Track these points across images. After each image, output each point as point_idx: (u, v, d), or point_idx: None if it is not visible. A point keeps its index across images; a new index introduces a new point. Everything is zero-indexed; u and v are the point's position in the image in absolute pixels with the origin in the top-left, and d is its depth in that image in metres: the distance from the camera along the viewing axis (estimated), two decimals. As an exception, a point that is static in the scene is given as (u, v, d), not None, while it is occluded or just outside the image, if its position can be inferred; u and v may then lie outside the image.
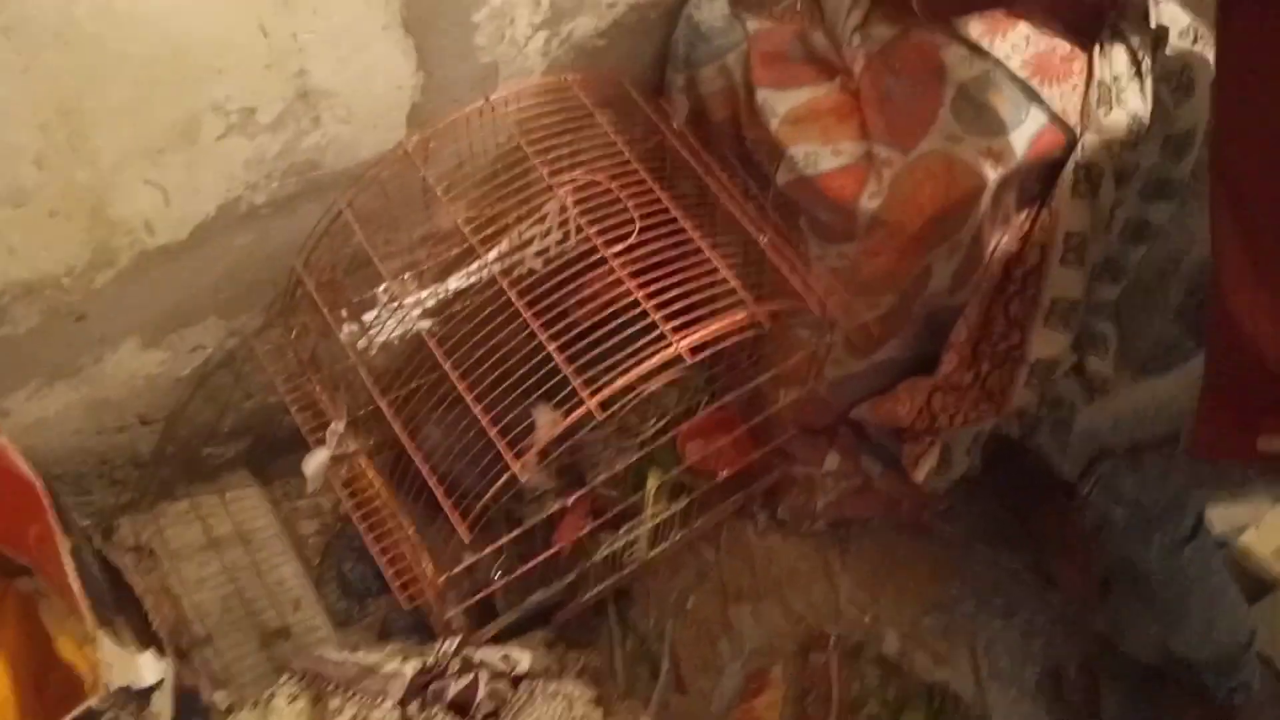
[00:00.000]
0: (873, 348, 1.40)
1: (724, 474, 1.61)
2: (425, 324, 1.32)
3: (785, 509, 1.71)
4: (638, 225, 1.17)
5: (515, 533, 1.30)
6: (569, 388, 1.15)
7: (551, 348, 1.14)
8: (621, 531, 1.59)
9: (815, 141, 1.28)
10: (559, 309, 1.27)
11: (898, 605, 1.70)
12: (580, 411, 1.09)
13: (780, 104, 1.32)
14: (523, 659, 1.42)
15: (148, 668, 1.22)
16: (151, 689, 1.22)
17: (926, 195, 1.23)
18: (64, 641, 1.30)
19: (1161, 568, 1.37)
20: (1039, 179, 1.32)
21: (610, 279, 1.23)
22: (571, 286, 1.32)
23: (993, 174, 1.23)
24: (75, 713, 1.10)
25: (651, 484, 1.60)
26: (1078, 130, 1.27)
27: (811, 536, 1.75)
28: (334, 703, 1.27)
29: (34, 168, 1.02)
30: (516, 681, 1.41)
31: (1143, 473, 1.30)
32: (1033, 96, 1.26)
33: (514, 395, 1.49)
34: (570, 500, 1.45)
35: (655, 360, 1.08)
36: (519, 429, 1.30)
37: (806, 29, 1.36)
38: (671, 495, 1.63)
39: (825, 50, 1.34)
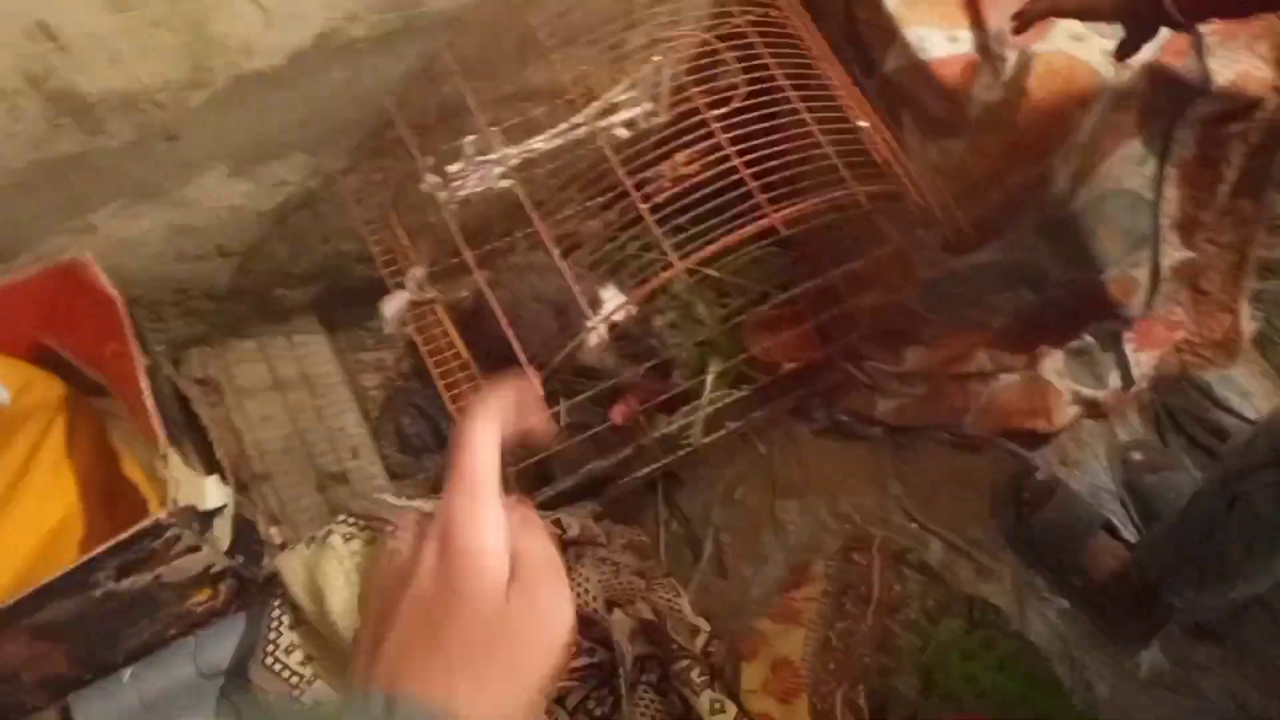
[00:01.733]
0: (970, 247, 1.36)
1: (787, 368, 1.60)
2: (507, 182, 1.30)
3: (843, 410, 1.69)
4: (742, 93, 1.13)
5: (580, 397, 1.30)
6: (656, 258, 1.13)
7: (643, 209, 1.11)
8: (678, 414, 1.59)
9: (932, 25, 1.23)
10: (640, 181, 1.24)
11: (946, 516, 1.69)
12: (666, 275, 1.07)
13: (897, -18, 1.26)
14: (573, 524, 1.44)
15: (212, 491, 1.25)
16: (214, 513, 1.25)
17: (1044, 93, 1.18)
18: (130, 461, 1.32)
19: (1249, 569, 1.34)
20: (1165, 103, 1.26)
21: (704, 147, 1.20)
22: (653, 158, 1.29)
23: (1113, 78, 1.17)
24: (143, 524, 1.12)
25: (712, 370, 1.59)
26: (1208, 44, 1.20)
27: (866, 440, 1.74)
28: (391, 543, 1.29)
29: (141, -29, 1.00)
30: (565, 546, 1.43)
31: None
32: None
33: (596, 266, 1.48)
34: (635, 374, 1.44)
35: (749, 230, 1.06)
36: (589, 302, 1.29)
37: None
38: (732, 384, 1.63)
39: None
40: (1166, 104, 1.25)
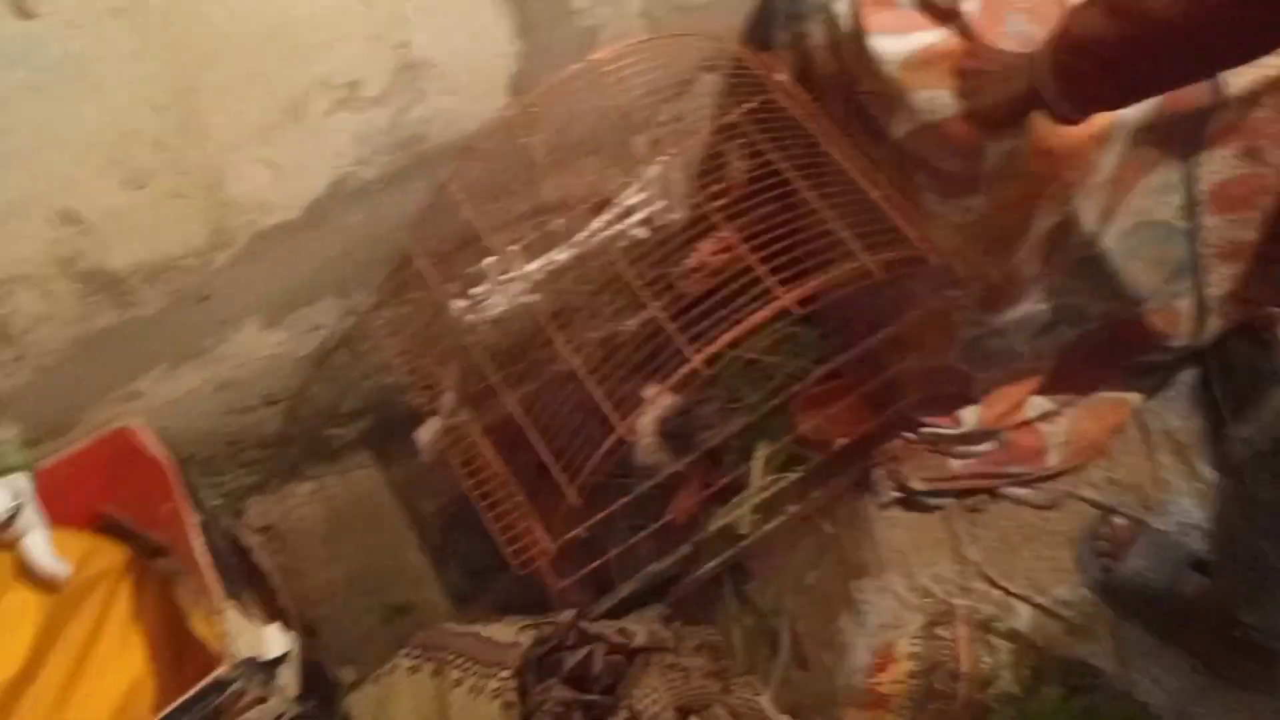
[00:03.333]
0: (1008, 303, 1.33)
1: (840, 443, 1.57)
2: (533, 297, 1.32)
3: (917, 478, 1.64)
4: (744, 182, 1.14)
5: (625, 499, 1.29)
6: (679, 356, 1.13)
7: (658, 311, 1.11)
8: (732, 504, 1.56)
9: (939, 86, 1.22)
10: (666, 279, 1.25)
11: (1030, 578, 1.62)
12: (686, 369, 1.07)
13: (896, 50, 1.26)
14: (639, 632, 1.41)
15: (273, 640, 1.25)
16: (278, 661, 1.25)
17: (1056, 135, 1.16)
18: (197, 619, 1.33)
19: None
20: (1181, 130, 1.24)
21: (718, 243, 1.21)
22: (678, 255, 1.30)
23: (1126, 112, 1.15)
24: (204, 682, 1.13)
25: (760, 455, 1.57)
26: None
27: (936, 508, 1.68)
28: (453, 674, 1.28)
29: (152, 150, 1.05)
30: (632, 655, 1.40)
31: None
32: None
33: (624, 369, 1.48)
34: (683, 469, 1.42)
35: (762, 314, 1.05)
36: (628, 403, 1.29)
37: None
38: (784, 467, 1.60)
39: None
40: (1181, 132, 1.22)
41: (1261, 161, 1.29)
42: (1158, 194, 1.26)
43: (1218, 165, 1.28)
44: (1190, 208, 1.29)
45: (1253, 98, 1.21)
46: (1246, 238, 1.38)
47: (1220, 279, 1.40)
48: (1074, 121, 1.03)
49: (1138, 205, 1.25)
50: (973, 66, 1.15)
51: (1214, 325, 1.44)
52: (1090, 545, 1.62)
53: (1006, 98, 1.08)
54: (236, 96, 1.06)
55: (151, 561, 1.36)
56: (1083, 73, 0.98)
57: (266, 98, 1.08)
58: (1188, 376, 1.70)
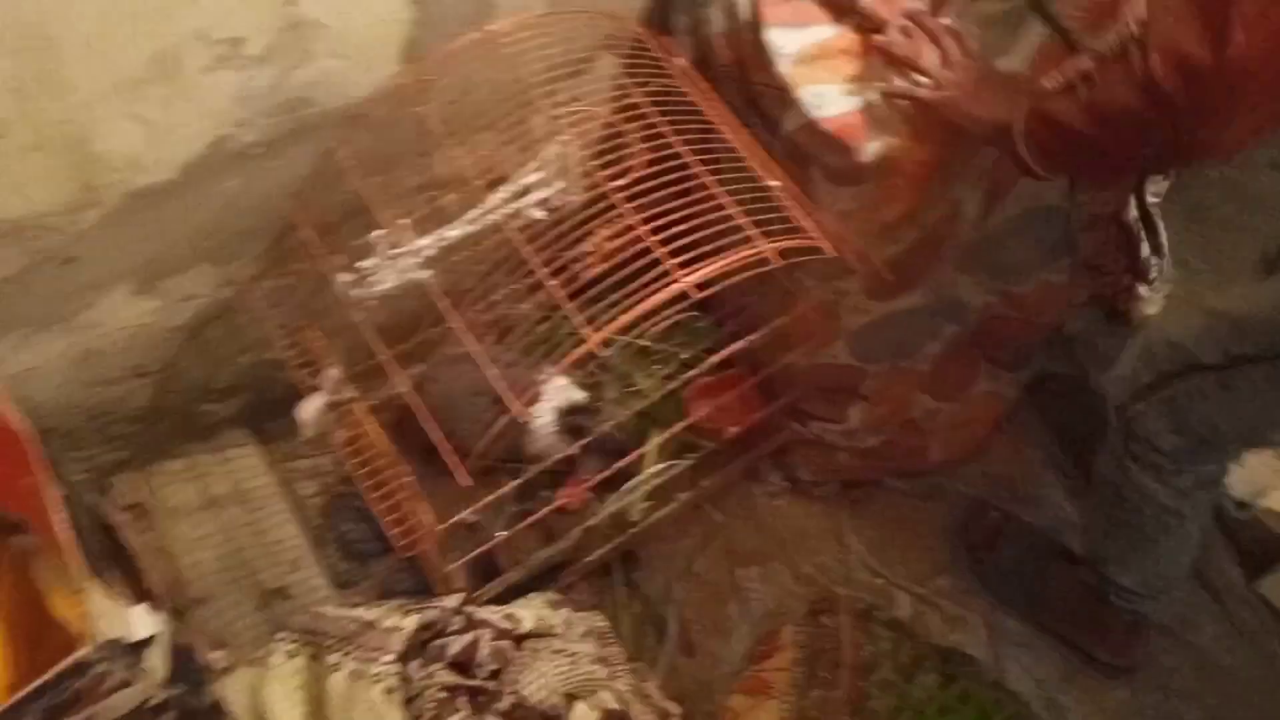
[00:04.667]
0: (895, 292, 1.36)
1: (731, 432, 1.58)
2: (424, 274, 1.28)
3: (805, 469, 1.67)
4: (644, 165, 1.12)
5: (515, 482, 1.27)
6: (574, 338, 1.12)
7: (555, 289, 1.10)
8: (624, 490, 1.55)
9: (828, 81, 1.23)
10: (561, 261, 1.23)
11: (910, 568, 1.66)
12: (582, 349, 1.05)
13: (790, 43, 1.27)
14: (526, 618, 1.39)
15: (139, 621, 1.19)
16: (144, 644, 1.19)
17: (935, 129, 1.18)
18: (57, 600, 1.27)
19: (1162, 505, 1.35)
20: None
21: (615, 226, 1.19)
22: (575, 237, 1.28)
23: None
24: (65, 663, 1.07)
25: (653, 442, 1.56)
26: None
27: (821, 498, 1.71)
28: (331, 658, 1.24)
29: (9, 98, 0.98)
30: (519, 641, 1.38)
31: (1229, 404, 1.21)
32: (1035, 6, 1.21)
33: (518, 350, 1.46)
34: (574, 454, 1.41)
35: (659, 297, 1.04)
36: (522, 385, 1.26)
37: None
38: (676, 455, 1.60)
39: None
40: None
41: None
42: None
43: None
44: (1071, 187, 1.34)
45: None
46: (1106, 211, 1.44)
47: (1086, 249, 1.47)
48: (1039, 177, 1.07)
49: (1028, 190, 1.29)
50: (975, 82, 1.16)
51: (1079, 297, 1.50)
52: (962, 537, 1.67)
53: (990, 120, 1.10)
54: (100, 46, 0.99)
55: (8, 538, 1.29)
56: (1052, 149, 1.02)
57: (133, 49, 1.01)
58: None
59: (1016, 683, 1.56)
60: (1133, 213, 1.47)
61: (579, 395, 1.48)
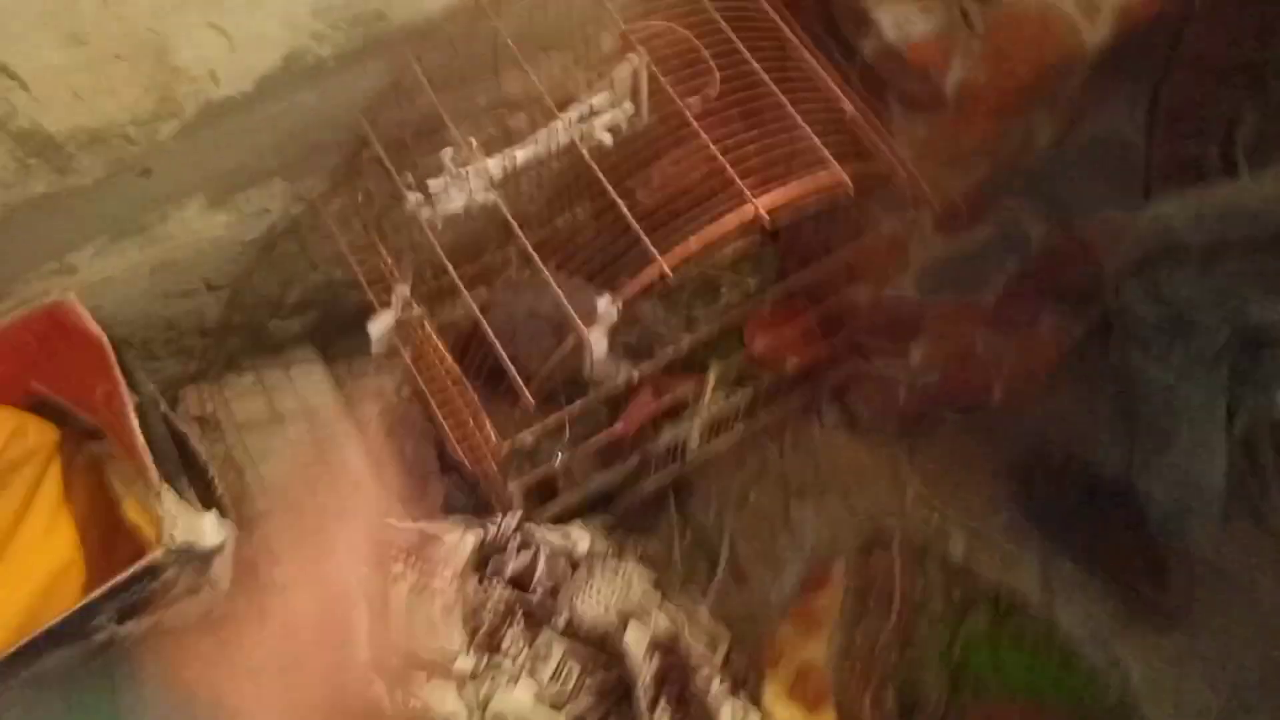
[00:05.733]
0: (964, 225, 1.33)
1: (791, 365, 1.57)
2: (491, 195, 1.28)
3: (865, 404, 1.66)
4: (718, 81, 1.10)
5: (577, 404, 1.27)
6: (643, 261, 1.11)
7: (626, 211, 1.09)
8: (683, 420, 1.55)
9: (904, 1, 1.20)
10: (629, 187, 1.22)
11: (967, 506, 1.65)
12: (652, 273, 1.05)
13: (871, -37, 1.24)
14: (582, 539, 1.41)
15: (210, 528, 1.22)
16: (213, 552, 1.22)
17: (1019, 52, 1.15)
18: (130, 504, 1.30)
19: (1163, 387, 1.34)
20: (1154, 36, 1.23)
21: (683, 147, 1.18)
22: (644, 159, 1.27)
23: (1089, 26, 1.14)
24: (139, 565, 1.10)
25: (712, 371, 1.56)
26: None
27: (879, 434, 1.70)
28: (395, 568, 1.27)
29: (94, 4, 0.98)
30: (575, 563, 1.40)
31: (1206, 280, 1.24)
32: None
33: (583, 273, 1.46)
34: (635, 380, 1.41)
35: (731, 220, 1.03)
36: (588, 308, 1.26)
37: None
38: (735, 385, 1.59)
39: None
40: (1156, 47, 1.22)
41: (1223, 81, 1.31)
42: (1122, 110, 1.27)
43: (1186, 85, 1.29)
44: (1150, 124, 1.30)
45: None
46: (1193, 155, 1.40)
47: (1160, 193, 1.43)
48: None
49: (1101, 121, 1.25)
50: None
51: None
52: (1021, 476, 1.65)
53: None
54: (188, -50, 0.99)
55: (84, 444, 1.32)
56: None
57: (221, -45, 1.02)
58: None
59: (1070, 625, 1.55)
60: (1215, 157, 1.43)
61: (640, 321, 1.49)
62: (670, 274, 1.04)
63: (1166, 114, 1.32)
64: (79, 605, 1.08)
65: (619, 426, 1.49)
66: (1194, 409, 1.36)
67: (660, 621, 1.36)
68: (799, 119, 1.13)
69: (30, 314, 1.22)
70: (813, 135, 1.11)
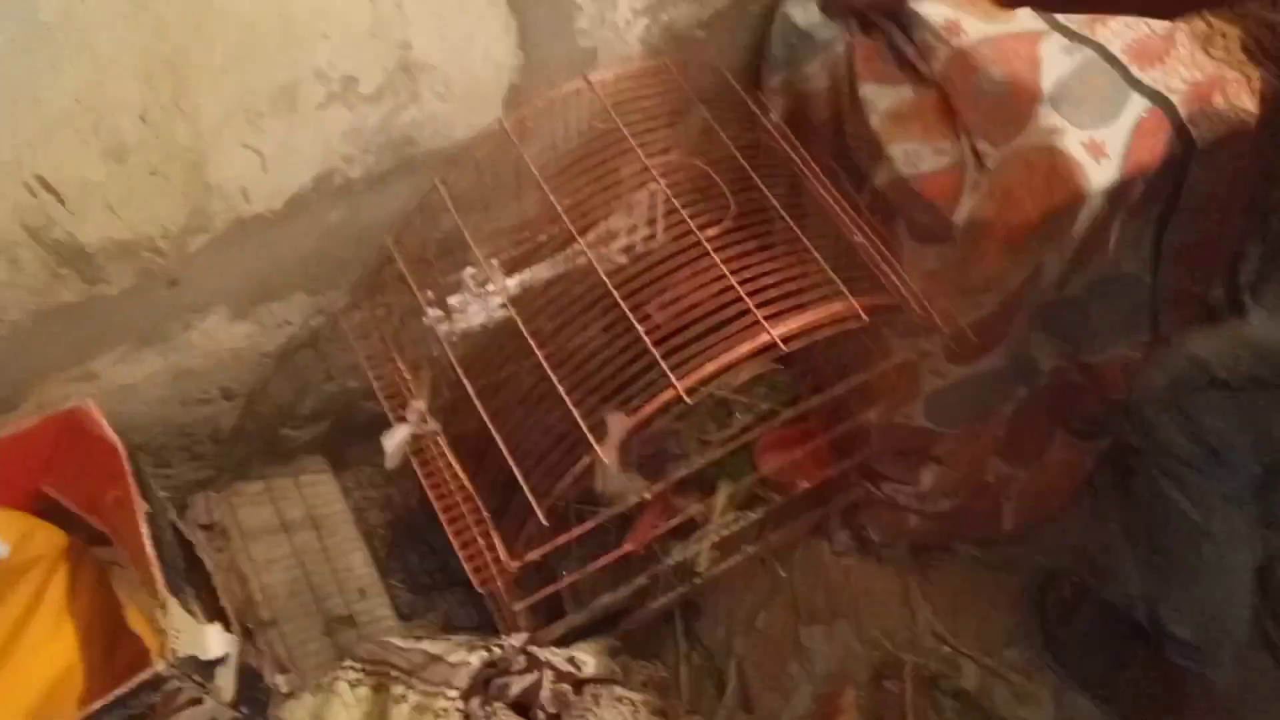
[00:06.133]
0: (975, 355, 1.35)
1: (801, 487, 1.57)
2: (509, 313, 1.30)
3: (875, 529, 1.65)
4: (733, 210, 1.13)
5: (589, 524, 1.27)
6: (657, 380, 1.12)
7: (643, 333, 1.10)
8: (691, 540, 1.54)
9: (916, 139, 1.24)
10: (643, 306, 1.24)
11: (979, 637, 1.62)
12: (667, 395, 1.06)
13: (882, 100, 1.28)
14: (588, 662, 1.38)
15: (214, 640, 1.21)
16: (216, 663, 1.21)
17: (1027, 191, 1.18)
18: (134, 612, 1.29)
19: (1194, 520, 1.32)
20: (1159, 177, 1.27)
21: (699, 273, 1.20)
22: (657, 284, 1.29)
23: (1096, 168, 1.18)
24: (141, 677, 1.09)
25: (723, 492, 1.56)
26: (1181, 113, 1.22)
27: (890, 560, 1.68)
28: (396, 689, 1.25)
29: (137, 122, 1.02)
30: (580, 685, 1.37)
31: (1239, 415, 1.24)
32: (1134, 83, 1.21)
33: (598, 393, 1.47)
34: (647, 497, 1.41)
35: (747, 347, 1.04)
36: (602, 427, 1.27)
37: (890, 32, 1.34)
38: (744, 506, 1.59)
39: (910, 54, 1.31)
40: (1161, 188, 1.25)
41: (1230, 223, 1.34)
42: (1128, 248, 1.29)
43: (1188, 226, 1.32)
44: (1155, 261, 1.32)
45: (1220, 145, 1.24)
46: (1196, 290, 1.42)
47: (1167, 327, 1.44)
48: None
49: (1106, 258, 1.28)
50: None
51: None
52: (1035, 608, 1.63)
53: None
54: (230, 76, 1.04)
55: (91, 549, 1.32)
56: None
57: (260, 81, 1.06)
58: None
59: (1084, 762, 1.51)
60: (1219, 292, 1.45)
61: (654, 440, 1.49)
62: (687, 397, 1.05)
63: (1172, 251, 1.35)
64: (82, 716, 1.06)
65: (626, 545, 1.48)
66: (1224, 543, 1.35)
67: (666, 751, 1.33)
68: (811, 249, 1.15)
69: (48, 419, 1.23)
70: (825, 266, 1.13)
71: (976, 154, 1.22)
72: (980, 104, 1.23)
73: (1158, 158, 1.22)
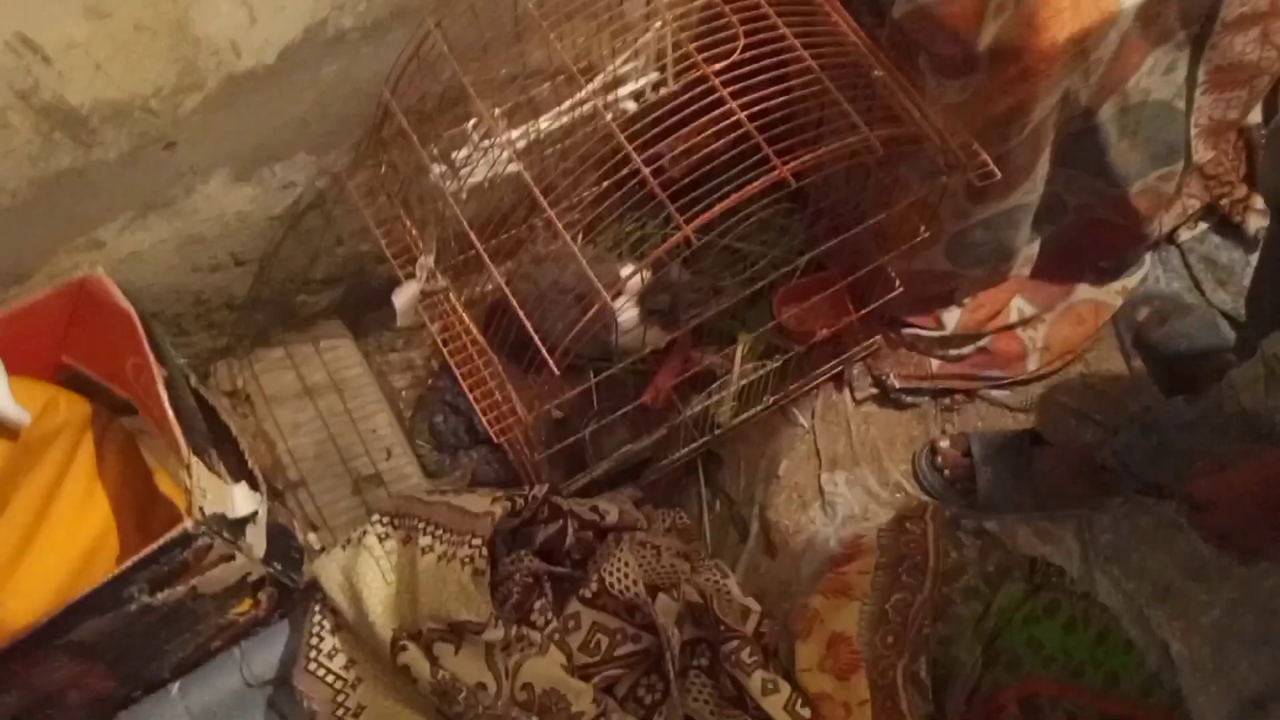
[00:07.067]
0: (999, 193, 1.30)
1: (820, 336, 1.55)
2: (515, 166, 1.27)
3: (896, 376, 1.64)
4: (743, 44, 1.08)
5: (602, 375, 1.26)
6: (669, 230, 1.10)
7: (653, 182, 1.07)
8: (710, 390, 1.54)
9: (936, -38, 1.17)
10: (654, 156, 1.20)
11: (1000, 476, 1.63)
12: (676, 238, 1.03)
13: (901, -80, 1.21)
14: (611, 510, 1.41)
15: (241, 498, 1.23)
16: (245, 520, 1.23)
17: (1054, 13, 1.11)
18: (164, 477, 1.32)
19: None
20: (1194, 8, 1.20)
21: (713, 120, 1.16)
22: (670, 127, 1.25)
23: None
24: (171, 534, 1.11)
25: (741, 343, 1.55)
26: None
27: (911, 406, 1.68)
28: (423, 540, 1.28)
29: (117, -26, 0.98)
30: (603, 533, 1.40)
31: None
32: None
33: (607, 242, 1.45)
34: (661, 351, 1.40)
35: (758, 184, 1.01)
36: (611, 277, 1.25)
37: None
38: (763, 357, 1.58)
39: None
40: (1195, 10, 1.18)
41: (1271, 44, 1.27)
42: (1160, 72, 1.23)
43: (1226, 48, 1.25)
44: (1190, 88, 1.26)
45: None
46: (1232, 117, 1.36)
47: (1200, 158, 1.39)
48: None
49: (1140, 84, 1.22)
50: None
51: (1192, 206, 1.43)
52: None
53: None
54: (208, -81, 0.99)
55: (117, 417, 1.33)
56: None
57: (241, -75, 1.01)
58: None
59: (1106, 596, 1.52)
60: (1258, 118, 1.39)
61: (665, 286, 1.48)
62: (694, 238, 1.02)
63: (1208, 76, 1.28)
64: (112, 575, 1.09)
65: (646, 397, 1.48)
66: None
67: (689, 593, 1.36)
68: (828, 83, 1.10)
69: (60, 289, 1.22)
70: (841, 99, 1.09)
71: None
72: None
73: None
